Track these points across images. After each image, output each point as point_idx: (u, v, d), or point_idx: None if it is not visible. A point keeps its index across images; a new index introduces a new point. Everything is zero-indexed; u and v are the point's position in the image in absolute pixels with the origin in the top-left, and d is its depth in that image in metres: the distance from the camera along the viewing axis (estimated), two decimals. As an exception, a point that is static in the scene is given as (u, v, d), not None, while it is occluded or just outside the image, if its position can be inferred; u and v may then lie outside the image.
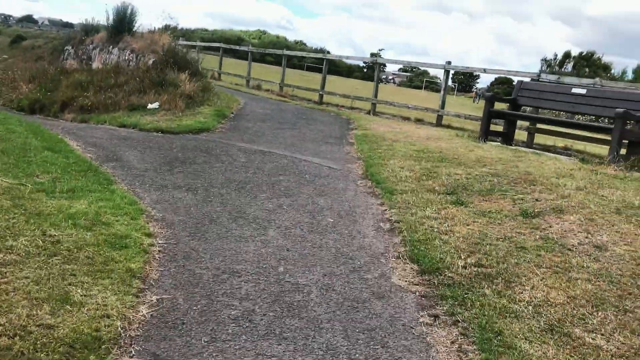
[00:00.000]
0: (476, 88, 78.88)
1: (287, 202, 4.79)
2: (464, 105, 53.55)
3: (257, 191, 5.05)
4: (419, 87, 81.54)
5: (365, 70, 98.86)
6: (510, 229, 4.25)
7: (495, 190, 5.26)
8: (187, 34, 31.00)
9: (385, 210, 4.81)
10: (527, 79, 9.43)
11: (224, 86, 17.93)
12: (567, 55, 75.35)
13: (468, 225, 4.34)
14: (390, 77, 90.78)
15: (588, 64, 71.39)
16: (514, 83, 10.90)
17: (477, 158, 6.78)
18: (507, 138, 8.97)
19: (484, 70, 10.90)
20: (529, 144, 9.32)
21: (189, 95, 9.82)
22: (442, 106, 11.46)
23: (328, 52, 15.97)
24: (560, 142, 9.33)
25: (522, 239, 4.06)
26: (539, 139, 9.69)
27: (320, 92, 15.74)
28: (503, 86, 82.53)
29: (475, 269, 3.53)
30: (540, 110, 9.55)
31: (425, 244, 3.91)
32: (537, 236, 4.10)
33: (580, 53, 73.09)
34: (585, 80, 8.65)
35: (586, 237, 4.05)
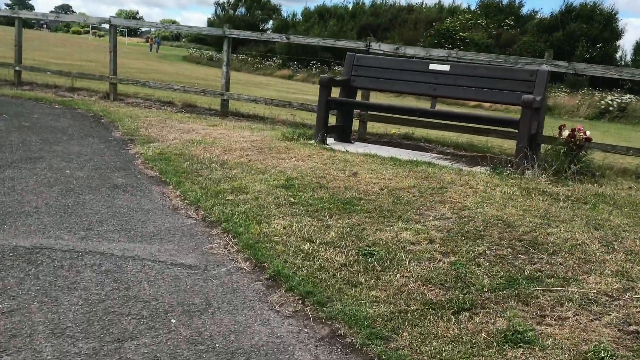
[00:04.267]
0: (151, 34, 74.07)
1: None
2: (146, 54, 48.85)
3: None
4: (77, 33, 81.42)
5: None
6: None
7: (515, 282, 3.18)
8: None
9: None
10: (362, 45, 7.36)
11: None
12: (240, -4, 77.04)
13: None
14: (42, 22, 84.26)
15: (259, 6, 74.44)
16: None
17: (384, 191, 4.57)
18: (343, 133, 6.96)
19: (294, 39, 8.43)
20: (362, 134, 7.49)
21: None
22: (227, 87, 8.68)
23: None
24: (394, 130, 7.79)
25: None
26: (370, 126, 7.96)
27: (17, 68, 10.95)
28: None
29: None
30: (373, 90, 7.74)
31: None
32: None
33: (253, -5, 75.57)
34: (435, 52, 7.02)
35: None
